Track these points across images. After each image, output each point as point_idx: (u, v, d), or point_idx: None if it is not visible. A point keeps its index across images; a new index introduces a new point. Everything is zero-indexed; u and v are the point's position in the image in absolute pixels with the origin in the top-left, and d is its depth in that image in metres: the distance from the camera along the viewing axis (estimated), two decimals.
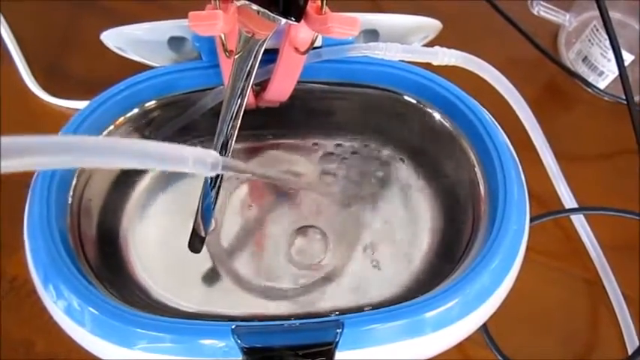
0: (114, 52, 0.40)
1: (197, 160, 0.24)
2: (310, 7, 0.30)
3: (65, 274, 0.29)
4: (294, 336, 0.29)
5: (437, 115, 0.37)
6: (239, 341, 0.28)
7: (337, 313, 0.35)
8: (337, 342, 0.28)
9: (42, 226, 0.30)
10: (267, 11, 0.29)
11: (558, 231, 0.43)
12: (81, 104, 0.44)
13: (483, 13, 0.50)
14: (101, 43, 0.39)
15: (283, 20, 0.29)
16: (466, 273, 0.30)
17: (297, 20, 0.29)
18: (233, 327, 0.28)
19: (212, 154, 0.25)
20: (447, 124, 0.36)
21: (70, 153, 0.20)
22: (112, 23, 0.39)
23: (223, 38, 0.31)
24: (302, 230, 0.39)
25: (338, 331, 0.28)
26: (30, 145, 0.19)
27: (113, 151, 0.22)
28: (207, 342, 0.28)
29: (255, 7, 0.29)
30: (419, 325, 0.29)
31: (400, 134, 0.40)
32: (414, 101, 0.37)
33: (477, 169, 0.35)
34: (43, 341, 0.38)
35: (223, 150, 0.32)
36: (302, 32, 0.31)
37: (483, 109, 0.35)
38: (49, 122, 0.45)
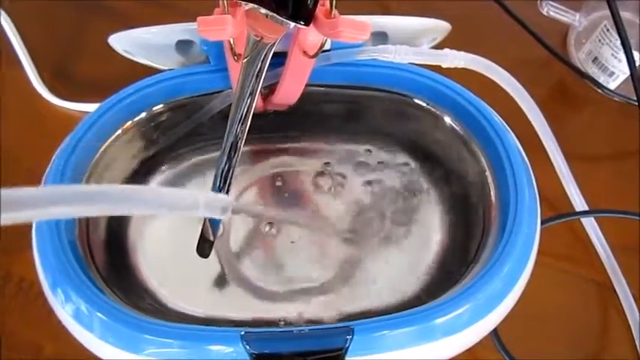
0: (121, 55, 0.40)
1: (208, 206, 0.24)
2: (319, 11, 0.29)
3: (73, 280, 0.29)
4: (303, 342, 0.28)
5: (447, 119, 0.36)
6: (248, 347, 0.28)
7: (347, 318, 0.35)
8: (347, 348, 0.28)
9: (51, 233, 0.30)
10: (275, 15, 0.28)
11: (568, 233, 0.43)
12: (89, 107, 0.45)
13: (492, 14, 0.49)
14: (109, 46, 0.39)
15: (292, 24, 0.29)
16: (477, 278, 0.30)
17: (307, 24, 0.29)
18: (242, 333, 0.28)
19: (222, 199, 0.26)
20: (458, 128, 0.36)
21: (83, 202, 0.20)
22: (120, 26, 0.39)
23: (232, 42, 0.31)
24: (312, 233, 0.38)
25: (348, 337, 0.28)
26: (46, 196, 0.19)
27: (125, 199, 0.22)
28: (215, 348, 0.28)
29: (263, 10, 0.28)
30: (429, 331, 0.29)
31: (410, 138, 0.39)
32: (424, 104, 0.37)
33: (487, 173, 0.34)
34: (51, 344, 0.38)
35: (232, 152, 0.32)
36: (311, 36, 0.31)
37: (494, 112, 0.35)
38: (56, 125, 0.45)
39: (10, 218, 0.18)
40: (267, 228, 0.38)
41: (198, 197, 0.24)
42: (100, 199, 0.21)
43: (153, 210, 0.23)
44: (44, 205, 0.19)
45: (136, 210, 0.23)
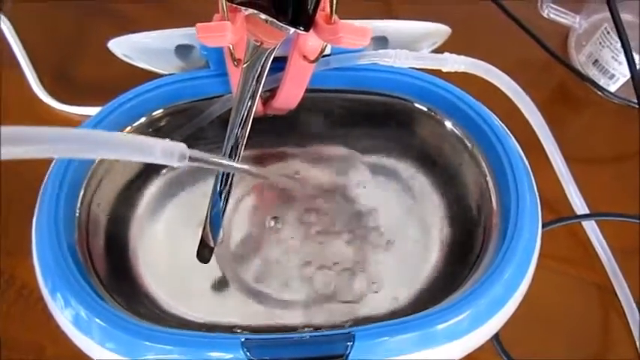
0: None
1: (165, 152, 0.24)
2: (319, 16, 0.29)
3: (73, 286, 0.29)
4: (303, 349, 0.28)
5: (448, 123, 0.36)
6: (248, 354, 0.28)
7: (348, 324, 0.35)
8: (348, 354, 0.28)
9: (51, 240, 0.30)
10: (275, 20, 0.28)
11: (569, 236, 0.43)
12: (88, 110, 0.44)
13: (493, 16, 0.49)
14: (109, 50, 0.39)
15: (292, 30, 0.29)
16: (478, 284, 0.30)
17: (306, 30, 0.29)
18: (243, 340, 0.28)
19: (180, 146, 0.25)
20: (459, 132, 0.36)
21: (43, 142, 0.21)
22: (120, 29, 0.39)
23: (231, 48, 0.31)
24: (312, 240, 0.38)
25: (349, 343, 0.28)
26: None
27: (84, 140, 0.22)
28: (215, 355, 0.28)
29: (263, 16, 0.28)
30: (431, 336, 0.29)
31: (411, 142, 0.39)
32: (424, 109, 0.37)
33: (488, 178, 0.34)
34: (52, 348, 0.38)
35: (233, 156, 0.32)
36: (311, 41, 0.31)
37: (495, 116, 0.35)
38: None
39: None
40: (269, 229, 0.38)
41: (156, 144, 0.24)
42: (59, 139, 0.21)
43: (111, 153, 0.23)
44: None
45: (94, 153, 0.23)
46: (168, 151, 0.25)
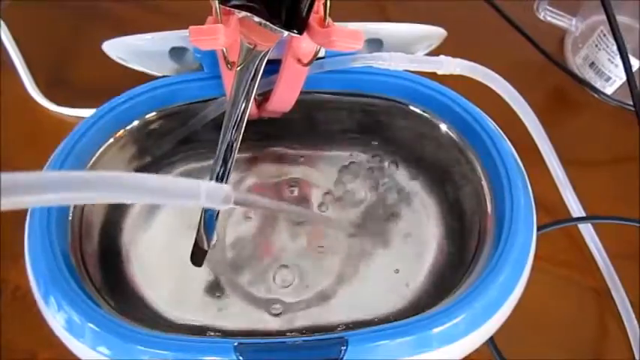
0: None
1: (209, 195, 0.24)
2: (313, 19, 0.29)
3: (66, 290, 0.29)
4: (296, 353, 0.28)
5: (443, 126, 0.36)
6: (241, 358, 0.28)
7: (342, 327, 0.35)
8: (341, 359, 0.28)
9: (43, 244, 0.30)
10: (269, 23, 0.28)
11: (565, 239, 0.43)
12: (84, 112, 0.44)
13: (489, 19, 0.49)
14: (104, 52, 0.39)
15: (285, 33, 0.28)
16: (473, 287, 0.29)
17: (300, 33, 0.29)
18: (235, 344, 0.28)
19: (224, 189, 0.25)
20: (454, 136, 0.36)
21: (77, 189, 0.20)
22: (116, 32, 0.38)
23: (224, 51, 0.31)
24: (307, 244, 0.38)
25: (342, 348, 0.28)
26: (32, 182, 0.19)
27: (119, 186, 0.21)
28: (208, 359, 0.28)
29: (257, 19, 0.28)
30: (425, 340, 0.29)
31: (406, 145, 0.39)
32: (419, 112, 0.37)
33: (483, 181, 0.34)
34: (46, 351, 0.37)
35: (226, 159, 0.32)
36: (304, 44, 0.31)
37: (489, 119, 0.35)
38: (51, 130, 0.45)
39: (9, 203, 0.18)
40: (263, 232, 0.38)
41: (200, 186, 0.24)
42: (99, 186, 0.20)
43: (153, 198, 0.23)
44: (41, 191, 0.19)
45: (136, 198, 0.22)
46: (212, 195, 0.24)
